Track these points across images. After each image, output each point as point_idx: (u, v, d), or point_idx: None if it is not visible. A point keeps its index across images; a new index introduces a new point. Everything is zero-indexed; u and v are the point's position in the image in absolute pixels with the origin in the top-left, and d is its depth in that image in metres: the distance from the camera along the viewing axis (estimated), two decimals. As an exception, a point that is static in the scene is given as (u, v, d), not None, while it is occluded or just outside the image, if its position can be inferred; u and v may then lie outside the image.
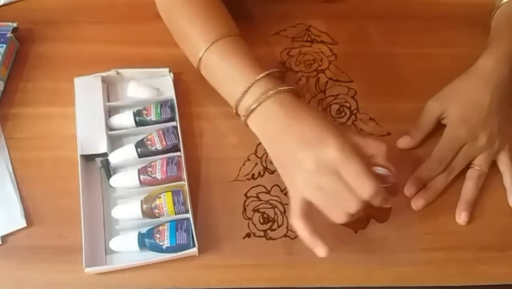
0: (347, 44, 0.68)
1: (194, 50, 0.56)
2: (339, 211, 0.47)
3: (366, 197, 0.46)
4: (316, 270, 0.54)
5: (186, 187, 0.55)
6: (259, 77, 0.52)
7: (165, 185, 0.56)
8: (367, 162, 0.46)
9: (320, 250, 0.49)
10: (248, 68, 0.53)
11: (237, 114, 0.54)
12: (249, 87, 0.52)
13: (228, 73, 0.54)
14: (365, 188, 0.45)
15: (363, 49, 0.68)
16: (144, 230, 0.54)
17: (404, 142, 0.60)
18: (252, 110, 0.51)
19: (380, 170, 0.48)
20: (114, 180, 0.57)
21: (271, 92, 0.50)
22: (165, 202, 0.54)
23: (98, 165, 0.58)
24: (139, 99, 0.62)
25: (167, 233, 0.53)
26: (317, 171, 0.46)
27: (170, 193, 0.54)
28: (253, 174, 0.59)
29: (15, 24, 0.66)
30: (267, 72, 0.52)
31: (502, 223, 0.57)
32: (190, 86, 0.64)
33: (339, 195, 0.46)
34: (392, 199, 0.49)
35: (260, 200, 0.57)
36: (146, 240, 0.53)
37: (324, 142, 0.46)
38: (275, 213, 0.57)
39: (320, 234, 0.49)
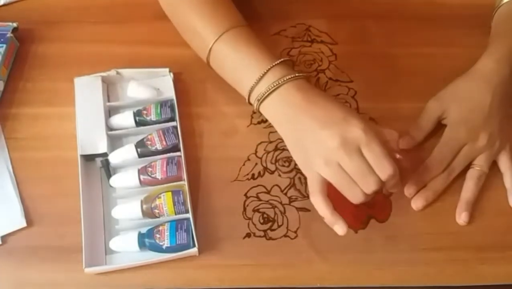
0: (347, 44, 0.68)
1: (203, 41, 0.56)
2: (357, 190, 0.48)
3: (385, 178, 0.48)
4: (316, 270, 0.54)
5: (186, 187, 0.55)
6: (274, 64, 0.53)
7: (165, 185, 0.56)
8: (385, 146, 0.48)
9: (340, 228, 0.50)
10: (262, 56, 0.54)
11: (249, 103, 0.55)
12: (264, 73, 0.52)
13: (241, 62, 0.54)
14: (385, 169, 0.47)
15: (363, 49, 0.68)
16: (144, 230, 0.54)
17: (404, 142, 0.60)
18: (268, 95, 0.52)
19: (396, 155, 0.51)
20: (114, 180, 0.57)
21: (287, 77, 0.52)
22: (165, 202, 0.54)
23: (98, 165, 0.58)
24: (139, 99, 0.62)
25: (167, 233, 0.53)
26: (340, 148, 0.47)
27: (170, 193, 0.54)
28: (253, 174, 0.59)
29: (15, 24, 0.66)
30: (281, 59, 0.53)
31: (502, 223, 0.57)
32: (190, 86, 0.64)
33: (360, 173, 0.48)
34: (400, 184, 0.51)
35: (260, 200, 0.57)
36: (146, 240, 0.53)
37: (349, 122, 0.48)
38: (275, 213, 0.57)
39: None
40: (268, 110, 0.54)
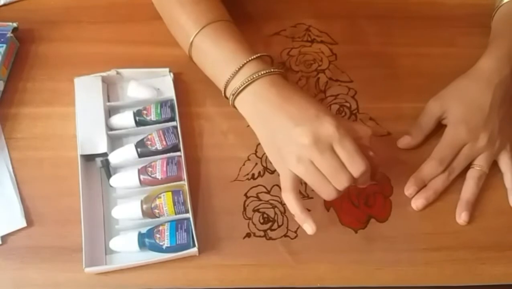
0: (347, 44, 0.68)
1: (185, 35, 0.57)
2: (330, 187, 0.48)
3: (358, 175, 0.48)
4: (316, 270, 0.54)
5: (186, 187, 0.55)
6: (250, 59, 0.52)
7: (165, 185, 0.56)
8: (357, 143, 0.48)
9: (309, 227, 0.50)
10: (240, 51, 0.54)
11: (225, 97, 0.55)
12: (240, 68, 0.52)
13: (219, 56, 0.54)
14: (357, 166, 0.48)
15: (363, 49, 0.68)
16: (144, 230, 0.54)
17: (404, 142, 0.60)
18: (242, 90, 0.52)
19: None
20: (114, 180, 0.57)
21: (261, 73, 0.51)
22: (165, 202, 0.54)
23: (98, 165, 0.58)
24: (139, 99, 0.62)
25: (167, 233, 0.53)
26: (312, 146, 0.47)
27: (170, 193, 0.54)
28: (253, 174, 0.59)
29: (15, 24, 0.66)
30: (258, 54, 0.53)
31: (502, 223, 0.57)
32: (190, 86, 0.64)
33: (332, 171, 0.48)
34: (369, 181, 0.51)
35: (260, 200, 0.57)
36: (146, 240, 0.53)
37: (321, 119, 0.48)
38: (275, 213, 0.57)
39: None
40: (242, 105, 0.53)
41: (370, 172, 0.49)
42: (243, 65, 0.52)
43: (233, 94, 0.53)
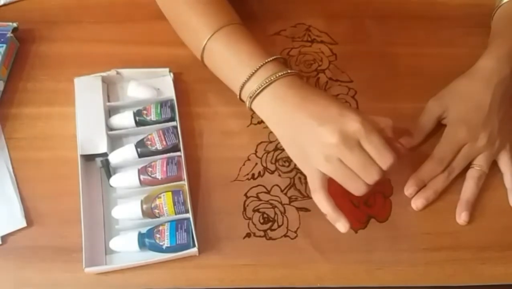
0: (347, 44, 0.68)
1: (197, 39, 0.56)
2: (359, 182, 0.49)
3: (387, 167, 0.48)
4: (316, 270, 0.54)
5: (186, 187, 0.55)
6: (266, 61, 0.53)
7: (165, 185, 0.56)
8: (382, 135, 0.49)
9: (342, 225, 0.51)
10: (255, 53, 0.54)
11: (241, 100, 0.55)
12: (256, 70, 0.52)
13: (234, 59, 0.54)
14: (386, 159, 0.48)
15: (363, 49, 0.68)
16: (144, 230, 0.54)
17: (404, 142, 0.60)
18: (259, 92, 0.52)
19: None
20: (114, 180, 0.56)
21: (279, 74, 0.52)
22: (165, 202, 0.54)
23: (98, 165, 0.58)
24: (139, 99, 0.62)
25: (167, 233, 0.53)
26: (339, 144, 0.48)
27: (170, 193, 0.54)
28: (253, 174, 0.59)
29: (15, 24, 0.66)
30: (274, 57, 0.53)
31: (502, 223, 0.57)
32: (190, 86, 0.64)
33: (362, 166, 0.48)
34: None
35: (260, 200, 0.57)
36: (146, 240, 0.53)
37: (345, 117, 0.48)
38: (275, 213, 0.57)
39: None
40: (261, 107, 0.53)
41: (397, 163, 0.49)
42: (259, 68, 0.52)
43: (250, 97, 0.53)
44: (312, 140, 0.49)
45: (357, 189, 0.49)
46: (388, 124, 0.51)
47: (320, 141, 0.48)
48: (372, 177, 0.49)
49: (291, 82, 0.52)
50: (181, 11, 0.58)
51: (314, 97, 0.51)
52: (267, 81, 0.52)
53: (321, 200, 0.50)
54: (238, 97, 0.55)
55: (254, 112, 0.54)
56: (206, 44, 0.55)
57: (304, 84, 0.52)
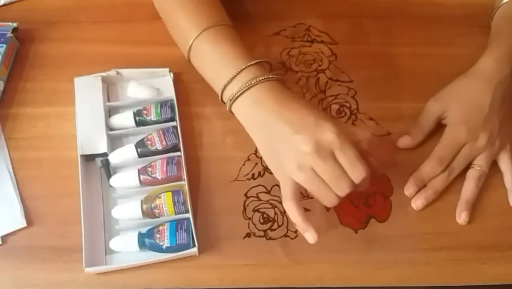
0: (347, 44, 0.68)
1: (184, 38, 0.56)
2: (331, 194, 0.49)
3: (358, 181, 0.48)
4: (316, 270, 0.54)
5: (186, 187, 0.55)
6: (248, 64, 0.52)
7: (165, 185, 0.56)
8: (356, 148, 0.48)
9: (310, 236, 0.50)
10: (238, 56, 0.53)
11: (222, 102, 0.55)
12: (237, 73, 0.52)
13: (217, 60, 0.54)
14: (358, 172, 0.48)
15: (363, 49, 0.68)
16: (144, 230, 0.54)
17: (404, 142, 0.60)
18: (239, 96, 0.52)
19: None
20: (114, 180, 0.57)
21: (260, 78, 0.51)
22: (165, 202, 0.54)
23: (98, 165, 0.58)
24: (139, 99, 0.62)
25: (167, 233, 0.53)
26: (313, 153, 0.47)
27: (170, 193, 0.54)
28: (253, 174, 0.59)
29: (15, 24, 0.66)
30: (257, 60, 0.53)
31: (502, 223, 0.57)
32: (190, 86, 0.64)
33: (333, 177, 0.48)
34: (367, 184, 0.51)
35: (260, 200, 0.57)
36: (146, 240, 0.53)
37: (321, 126, 0.48)
38: (275, 213, 0.57)
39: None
40: (240, 111, 0.53)
41: (369, 177, 0.49)
42: (241, 71, 0.52)
43: (230, 100, 0.53)
44: (286, 148, 0.49)
45: (328, 200, 0.49)
46: (365, 137, 0.51)
47: (294, 149, 0.48)
48: (343, 189, 0.48)
49: (271, 87, 0.51)
50: (172, 9, 0.58)
51: (293, 104, 0.50)
52: (247, 84, 0.51)
53: (291, 209, 0.50)
54: (220, 98, 0.55)
55: (234, 115, 0.54)
56: (192, 43, 0.55)
57: (284, 90, 0.52)
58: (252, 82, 0.51)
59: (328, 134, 0.47)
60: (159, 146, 0.58)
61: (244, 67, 0.52)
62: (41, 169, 0.59)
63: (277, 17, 0.70)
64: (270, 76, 0.52)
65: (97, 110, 0.60)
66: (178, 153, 0.57)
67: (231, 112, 0.54)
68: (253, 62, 0.52)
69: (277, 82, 0.52)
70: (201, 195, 0.57)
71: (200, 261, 0.54)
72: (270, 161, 0.52)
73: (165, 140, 0.58)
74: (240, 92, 0.51)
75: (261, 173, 0.59)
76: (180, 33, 0.58)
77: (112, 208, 0.55)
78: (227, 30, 0.56)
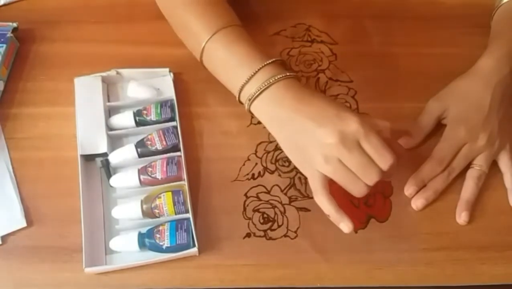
0: (347, 44, 0.68)
1: (196, 40, 0.56)
2: (359, 183, 0.49)
3: (386, 168, 0.48)
4: (316, 270, 0.54)
5: (186, 187, 0.55)
6: (265, 64, 0.53)
7: (165, 185, 0.56)
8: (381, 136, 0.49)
9: (345, 226, 0.51)
10: (254, 56, 0.54)
11: (240, 102, 0.55)
12: (255, 73, 0.52)
13: (233, 61, 0.54)
14: (386, 159, 0.48)
15: (363, 49, 0.68)
16: (144, 230, 0.54)
17: (404, 142, 0.60)
18: (258, 95, 0.52)
19: None
20: (114, 180, 0.57)
21: (277, 77, 0.52)
22: (165, 202, 0.54)
23: (98, 165, 0.58)
24: (139, 99, 0.62)
25: (167, 233, 0.53)
26: (339, 145, 0.48)
27: (170, 193, 0.54)
28: (253, 174, 0.59)
29: (15, 24, 0.66)
30: (273, 59, 0.53)
31: (502, 223, 0.57)
32: (190, 86, 0.64)
33: (361, 167, 0.48)
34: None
35: (260, 200, 0.57)
36: (146, 240, 0.53)
37: (344, 118, 0.48)
38: (275, 213, 0.57)
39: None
40: (259, 110, 0.53)
41: (396, 163, 0.49)
42: (257, 70, 0.52)
43: (249, 100, 0.53)
44: (311, 141, 0.49)
45: (357, 190, 0.49)
46: (386, 126, 0.51)
47: (319, 142, 0.48)
48: (371, 178, 0.48)
49: (289, 84, 0.52)
50: (180, 13, 0.58)
51: (312, 99, 0.51)
52: (266, 84, 0.51)
53: (323, 201, 0.50)
54: (237, 99, 0.55)
55: (253, 116, 0.54)
56: (205, 46, 0.55)
57: (302, 87, 0.52)
58: (270, 81, 0.51)
59: (352, 124, 0.48)
60: (159, 146, 0.58)
61: (260, 66, 0.52)
62: (41, 169, 0.59)
63: (277, 17, 0.70)
64: (288, 74, 0.52)
65: (97, 110, 0.60)
66: (178, 153, 0.57)
67: (250, 112, 0.54)
68: (269, 62, 0.53)
69: (294, 79, 0.53)
70: (201, 195, 0.57)
71: (200, 261, 0.54)
72: (295, 158, 0.52)
73: (165, 140, 0.58)
74: (258, 92, 0.52)
75: (261, 173, 0.59)
76: (190, 36, 0.58)
77: (112, 208, 0.55)
78: (238, 30, 0.56)
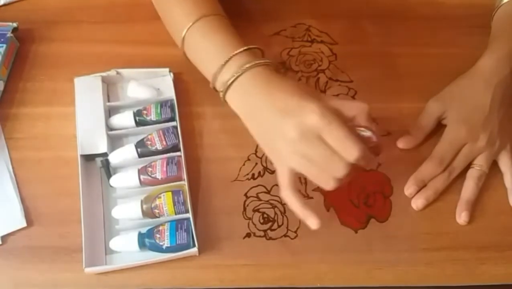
0: (347, 44, 0.68)
1: (178, 30, 0.56)
2: (327, 177, 0.47)
3: (352, 160, 0.45)
4: (316, 270, 0.54)
5: (186, 187, 0.55)
6: (236, 52, 0.51)
7: (165, 185, 0.56)
8: (349, 125, 0.46)
9: (312, 222, 0.49)
10: (228, 44, 0.52)
11: (216, 90, 0.54)
12: (226, 62, 0.51)
13: (208, 49, 0.53)
14: (350, 151, 0.45)
15: (363, 49, 0.68)
16: (144, 230, 0.54)
17: (404, 142, 0.60)
18: (229, 85, 0.51)
19: (363, 131, 0.48)
20: (114, 180, 0.57)
21: (246, 66, 0.50)
22: (165, 202, 0.54)
23: (98, 165, 0.58)
24: (139, 99, 0.62)
25: (167, 233, 0.53)
26: (300, 139, 0.46)
27: (170, 193, 0.54)
28: (253, 174, 0.59)
29: (15, 24, 0.66)
30: (245, 47, 0.52)
31: (502, 223, 0.57)
32: (190, 86, 0.64)
33: (325, 161, 0.46)
34: (376, 158, 0.49)
35: (260, 200, 0.57)
36: (146, 240, 0.53)
37: (304, 109, 0.46)
38: (275, 213, 0.57)
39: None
40: (232, 100, 0.52)
41: (368, 153, 0.46)
42: (229, 58, 0.51)
43: (222, 91, 0.52)
44: (277, 135, 0.47)
45: (325, 183, 0.47)
46: (363, 109, 0.48)
47: (283, 136, 0.47)
48: (338, 171, 0.46)
49: (259, 72, 0.50)
50: (167, 4, 0.58)
51: (278, 87, 0.49)
52: (237, 72, 0.50)
53: (289, 197, 0.49)
54: (212, 87, 0.53)
55: (228, 105, 0.53)
56: (185, 34, 0.55)
57: (272, 74, 0.50)
58: (241, 70, 0.50)
59: (311, 116, 0.45)
60: (159, 146, 0.58)
61: (232, 54, 0.51)
62: (41, 169, 0.59)
63: (277, 17, 0.70)
64: (257, 62, 0.50)
65: (97, 110, 0.60)
66: (178, 153, 0.57)
67: (225, 102, 0.53)
68: (242, 49, 0.51)
69: (265, 66, 0.51)
70: (201, 195, 0.57)
71: (200, 261, 0.54)
72: (266, 149, 0.51)
73: (165, 140, 0.58)
74: (231, 81, 0.50)
75: (261, 173, 0.59)
76: (174, 26, 0.57)
77: (112, 208, 0.55)
78: (219, 19, 0.55)
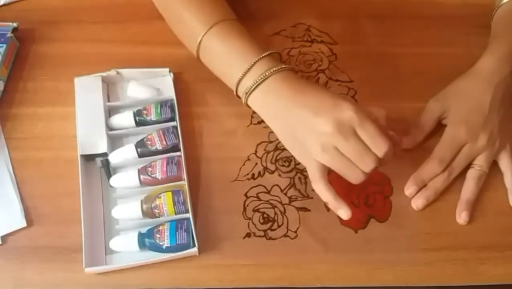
0: (347, 44, 0.68)
1: (192, 35, 0.56)
2: (356, 170, 0.50)
3: (382, 154, 0.49)
4: (316, 270, 0.54)
5: (186, 187, 0.55)
6: (260, 57, 0.53)
7: (165, 185, 0.56)
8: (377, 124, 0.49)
9: (344, 213, 0.51)
10: (249, 49, 0.54)
11: (237, 96, 0.55)
12: (251, 67, 0.53)
13: (229, 55, 0.55)
14: (381, 146, 0.49)
15: (363, 49, 0.68)
16: (144, 230, 0.54)
17: (404, 142, 0.60)
18: (254, 89, 0.53)
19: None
20: (114, 180, 0.57)
21: (273, 69, 0.52)
22: (165, 202, 0.54)
23: (98, 165, 0.58)
24: (139, 99, 0.62)
25: (167, 233, 0.53)
26: (334, 133, 0.48)
27: (170, 193, 0.54)
28: (253, 174, 0.59)
29: (15, 24, 0.66)
30: (268, 52, 0.54)
31: (502, 223, 0.57)
32: (190, 86, 0.64)
33: (357, 154, 0.49)
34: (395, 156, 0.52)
35: (260, 200, 0.57)
36: (146, 240, 0.53)
37: (339, 107, 0.49)
38: (275, 213, 0.57)
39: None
40: (256, 103, 0.54)
41: (393, 149, 0.50)
42: (254, 64, 0.53)
43: (246, 93, 0.53)
44: (308, 131, 0.50)
45: (354, 177, 0.50)
46: (381, 114, 0.52)
47: (316, 131, 0.49)
48: (368, 165, 0.49)
49: (285, 76, 0.52)
50: (176, 7, 0.58)
51: (307, 89, 0.51)
52: (262, 76, 0.52)
53: (321, 189, 0.51)
54: (234, 93, 0.55)
55: (250, 108, 0.55)
56: (201, 40, 0.56)
57: (297, 78, 0.53)
58: (266, 73, 0.52)
59: (347, 112, 0.48)
60: (159, 146, 0.58)
61: (256, 60, 0.53)
62: (41, 169, 0.59)
63: (277, 17, 0.70)
64: (283, 66, 0.53)
65: (97, 110, 0.60)
66: (178, 153, 0.57)
67: (247, 105, 0.54)
68: (265, 54, 0.53)
69: (289, 71, 0.53)
70: (201, 195, 0.57)
71: (200, 261, 0.54)
72: (293, 149, 0.53)
73: (165, 140, 0.58)
74: (255, 85, 0.52)
75: (261, 173, 0.59)
76: (186, 31, 0.58)
77: (112, 208, 0.55)
78: (234, 24, 0.56)
